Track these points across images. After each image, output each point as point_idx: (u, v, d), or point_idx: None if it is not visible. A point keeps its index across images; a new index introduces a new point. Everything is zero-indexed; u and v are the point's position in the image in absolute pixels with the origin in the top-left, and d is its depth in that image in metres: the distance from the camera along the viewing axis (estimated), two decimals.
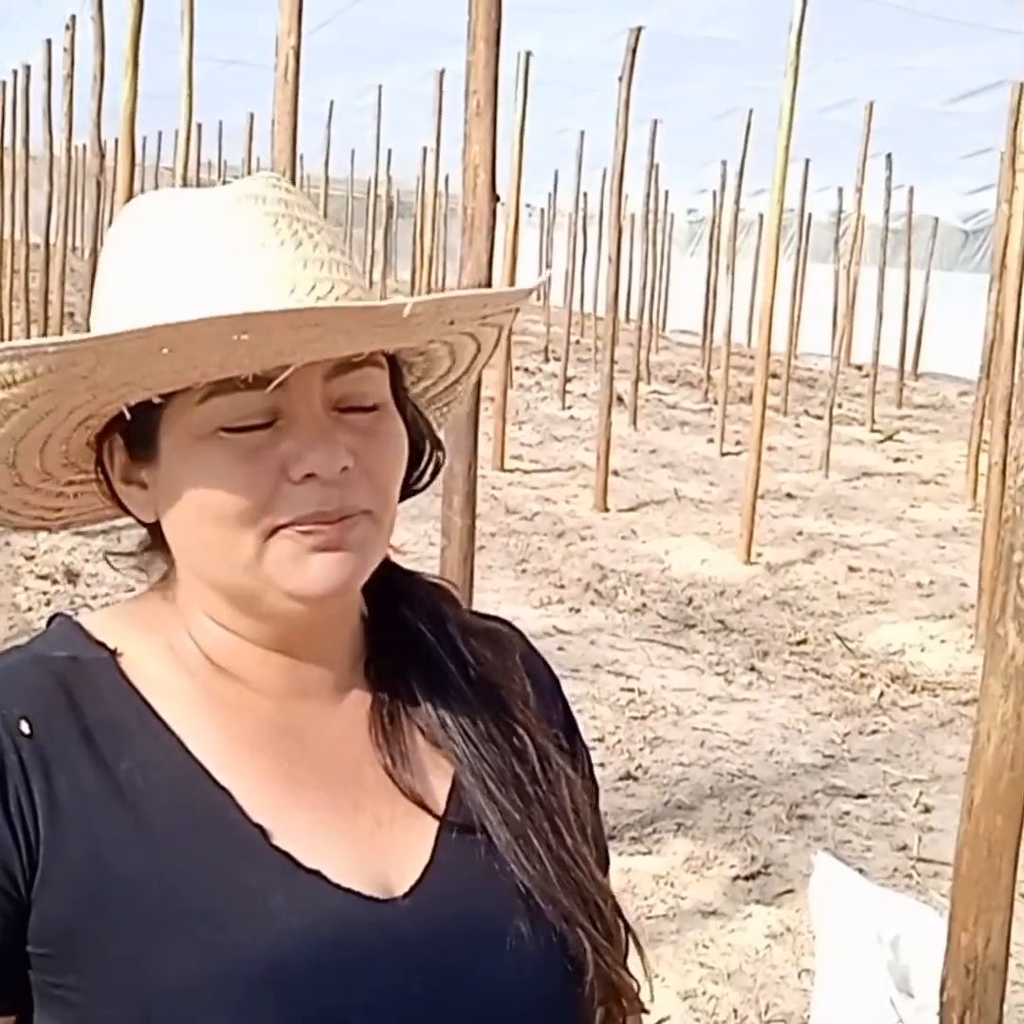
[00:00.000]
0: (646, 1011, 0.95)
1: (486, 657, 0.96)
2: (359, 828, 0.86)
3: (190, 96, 6.75)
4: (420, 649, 0.94)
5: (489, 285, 3.29)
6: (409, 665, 0.93)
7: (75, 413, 0.84)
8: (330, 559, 0.83)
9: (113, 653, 0.88)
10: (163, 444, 0.84)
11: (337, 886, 0.83)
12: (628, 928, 0.94)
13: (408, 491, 0.93)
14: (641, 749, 4.47)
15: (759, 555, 7.04)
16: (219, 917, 0.81)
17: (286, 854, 0.82)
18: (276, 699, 0.89)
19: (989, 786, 2.07)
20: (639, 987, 0.93)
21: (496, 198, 3.41)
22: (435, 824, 0.88)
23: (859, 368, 14.45)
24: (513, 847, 0.88)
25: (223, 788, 0.84)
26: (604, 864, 0.97)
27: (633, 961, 0.95)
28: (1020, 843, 2.05)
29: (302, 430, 0.83)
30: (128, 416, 0.83)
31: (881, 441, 11.45)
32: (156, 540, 0.91)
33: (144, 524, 0.91)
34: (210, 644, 0.89)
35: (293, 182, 3.97)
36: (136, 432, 0.85)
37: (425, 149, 13.73)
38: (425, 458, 0.95)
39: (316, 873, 0.82)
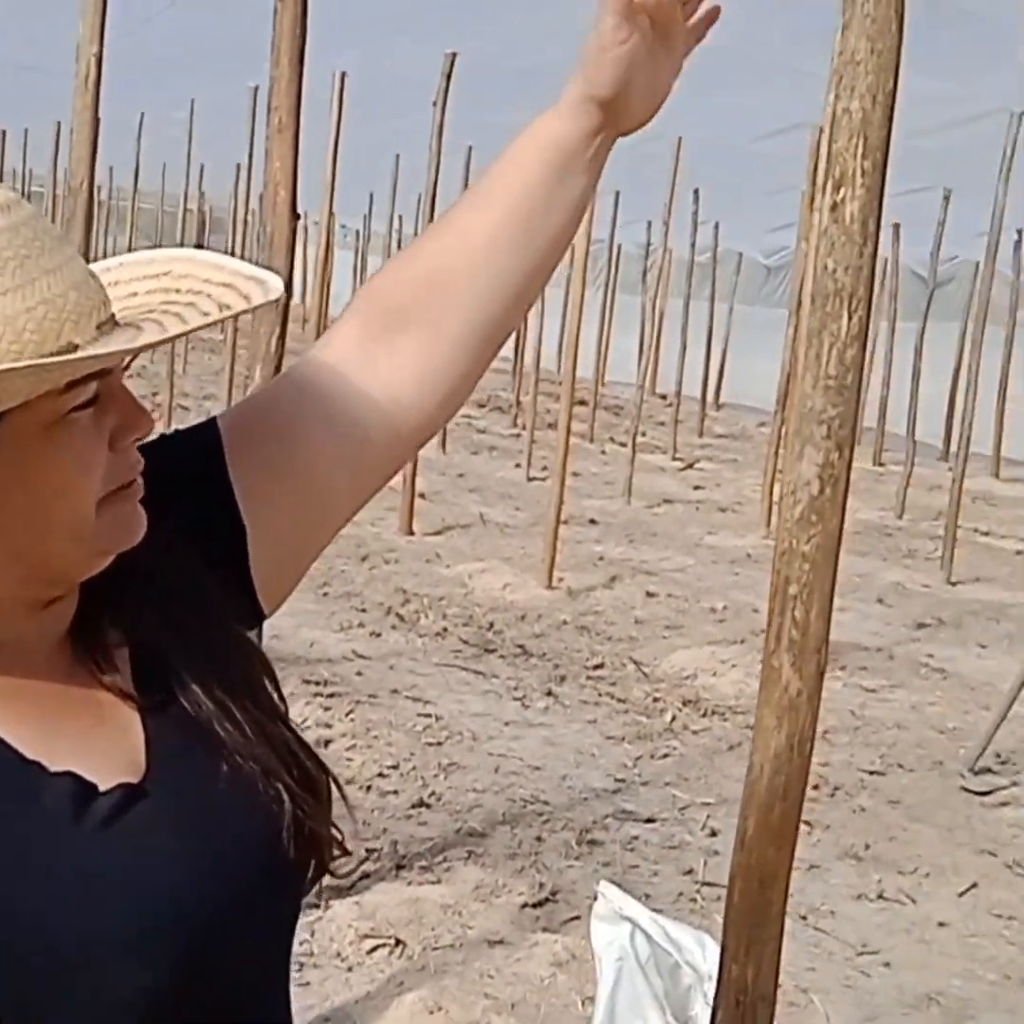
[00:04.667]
0: (347, 853, 1.01)
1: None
2: (102, 739, 0.93)
3: None
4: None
5: (287, 305, 3.29)
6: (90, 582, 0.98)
7: None
8: (141, 509, 0.93)
9: None
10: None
11: (111, 788, 0.90)
12: (328, 772, 1.00)
13: None
14: (435, 776, 4.43)
15: (561, 580, 7.09)
16: (28, 851, 0.85)
17: (68, 773, 0.89)
18: (22, 650, 0.94)
19: (762, 818, 2.08)
20: (342, 835, 0.99)
21: (297, 216, 3.40)
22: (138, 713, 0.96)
23: (664, 397, 14.76)
24: (211, 715, 0.95)
25: None
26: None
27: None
28: (790, 875, 2.07)
29: (124, 404, 0.91)
30: None
31: (682, 469, 11.69)
32: None
33: None
34: None
35: (91, 193, 3.86)
36: None
37: (238, 165, 13.54)
38: None
39: (93, 785, 0.89)
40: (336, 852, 0.99)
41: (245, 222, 14.20)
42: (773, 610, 2.07)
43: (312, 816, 0.95)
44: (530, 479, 10.26)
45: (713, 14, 1.14)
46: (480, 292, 1.09)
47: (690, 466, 11.84)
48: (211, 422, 1.07)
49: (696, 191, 12.12)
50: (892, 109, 2.02)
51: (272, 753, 0.96)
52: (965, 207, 10.21)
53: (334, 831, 0.99)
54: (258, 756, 0.95)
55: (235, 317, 0.93)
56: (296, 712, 4.80)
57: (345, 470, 1.08)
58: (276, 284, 0.94)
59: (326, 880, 1.00)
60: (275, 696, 1.00)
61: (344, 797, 1.01)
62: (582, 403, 12.59)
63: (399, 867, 3.75)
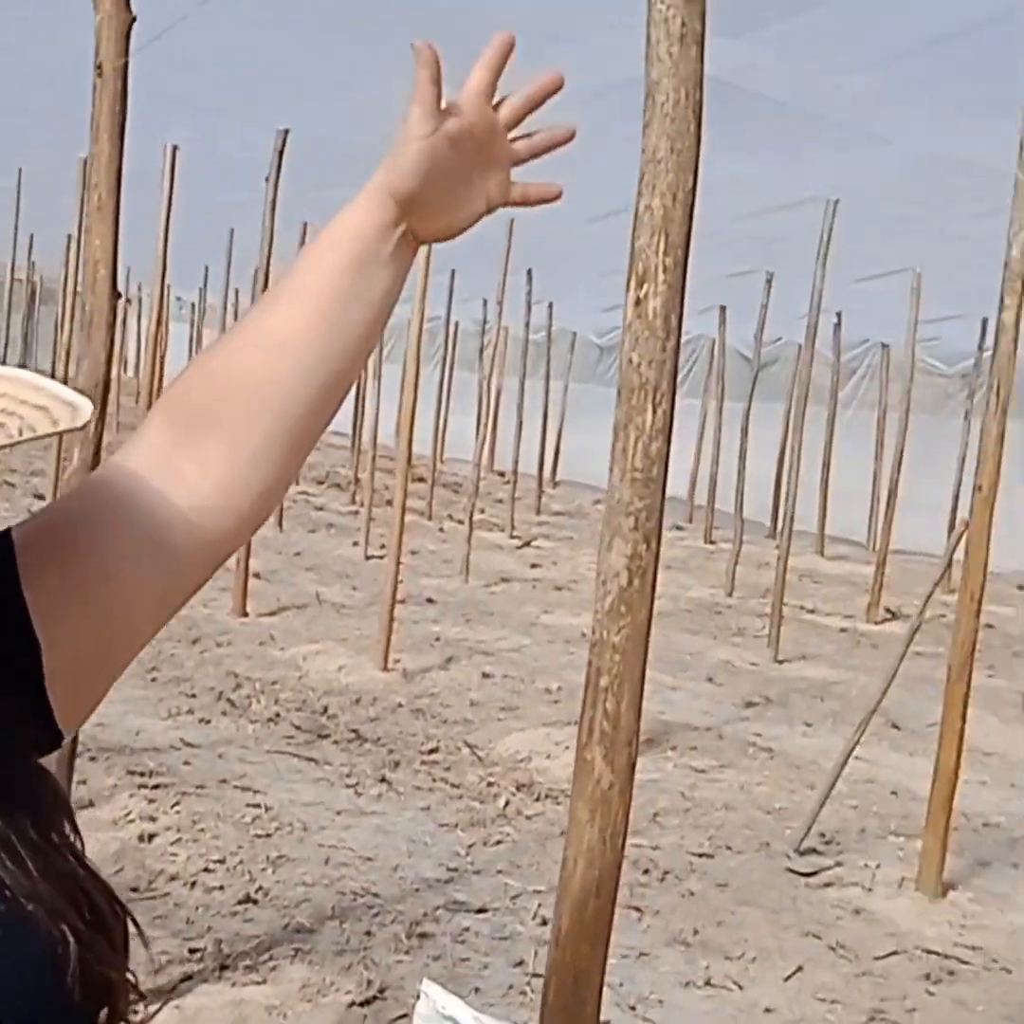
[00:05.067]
0: (143, 997, 0.94)
1: None
2: None
3: None
4: None
5: (107, 385, 3.27)
6: None
7: None
8: None
9: None
10: None
11: None
12: (126, 912, 0.92)
13: None
14: (263, 869, 4.30)
15: (397, 662, 7.02)
16: None
17: None
18: None
19: (575, 914, 2.07)
20: (135, 981, 0.92)
21: (118, 294, 3.40)
22: None
23: (502, 474, 14.85)
24: None
25: None
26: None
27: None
28: (605, 972, 2.05)
29: None
30: None
31: (520, 547, 11.75)
32: None
33: None
34: None
35: None
36: None
37: (69, 236, 13.32)
38: None
39: None
40: (132, 997, 0.93)
41: (75, 293, 13.92)
42: (586, 702, 2.07)
43: (102, 960, 0.89)
44: (368, 557, 10.19)
45: (561, 138, 1.13)
46: (282, 392, 1.05)
47: (527, 544, 11.91)
48: (4, 534, 1.01)
49: (529, 271, 12.30)
50: (693, 206, 2.07)
51: (59, 893, 0.89)
52: (788, 290, 10.56)
53: (129, 975, 0.92)
54: (41, 896, 0.88)
55: (34, 440, 0.87)
56: (120, 805, 4.63)
57: (149, 581, 1.03)
58: (86, 411, 0.88)
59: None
60: (69, 829, 0.94)
61: (143, 938, 0.95)
62: (420, 480, 12.60)
63: (223, 967, 3.62)
